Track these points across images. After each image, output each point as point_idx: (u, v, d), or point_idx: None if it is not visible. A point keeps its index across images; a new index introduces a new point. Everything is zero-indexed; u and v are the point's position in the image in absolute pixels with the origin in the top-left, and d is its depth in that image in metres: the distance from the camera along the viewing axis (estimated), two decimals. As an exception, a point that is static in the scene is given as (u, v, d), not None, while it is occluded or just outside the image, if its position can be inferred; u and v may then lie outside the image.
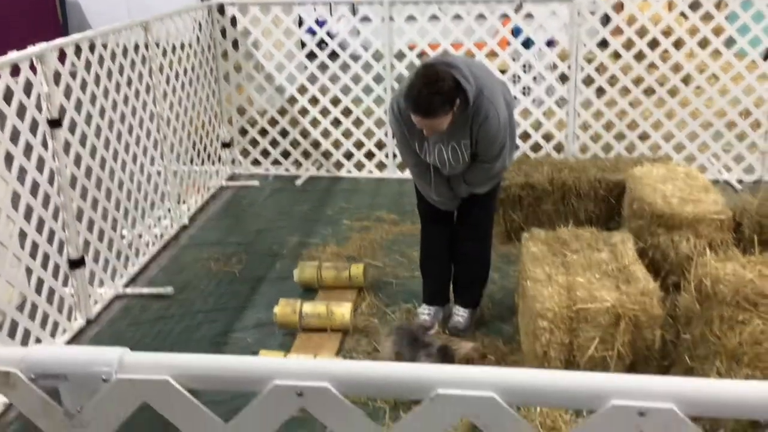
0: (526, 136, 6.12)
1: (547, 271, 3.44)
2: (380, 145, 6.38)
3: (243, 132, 6.59)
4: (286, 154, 6.56)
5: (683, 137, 5.94)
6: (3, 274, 3.40)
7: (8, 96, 3.48)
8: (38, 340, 3.67)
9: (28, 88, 3.64)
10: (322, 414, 1.19)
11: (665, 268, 3.90)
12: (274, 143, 6.51)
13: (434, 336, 3.69)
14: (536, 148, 6.16)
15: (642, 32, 5.75)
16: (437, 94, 3.17)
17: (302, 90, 6.38)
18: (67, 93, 4.01)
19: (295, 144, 6.50)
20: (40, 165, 3.76)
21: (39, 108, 3.77)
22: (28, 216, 3.63)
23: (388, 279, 4.52)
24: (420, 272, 4.07)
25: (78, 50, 4.15)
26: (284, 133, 6.47)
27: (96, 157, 4.29)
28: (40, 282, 3.74)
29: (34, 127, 3.70)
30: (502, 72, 5.98)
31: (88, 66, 4.23)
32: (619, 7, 6.00)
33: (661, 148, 5.99)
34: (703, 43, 5.72)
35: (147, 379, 1.20)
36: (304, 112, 6.43)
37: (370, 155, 6.41)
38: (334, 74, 6.19)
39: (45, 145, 3.81)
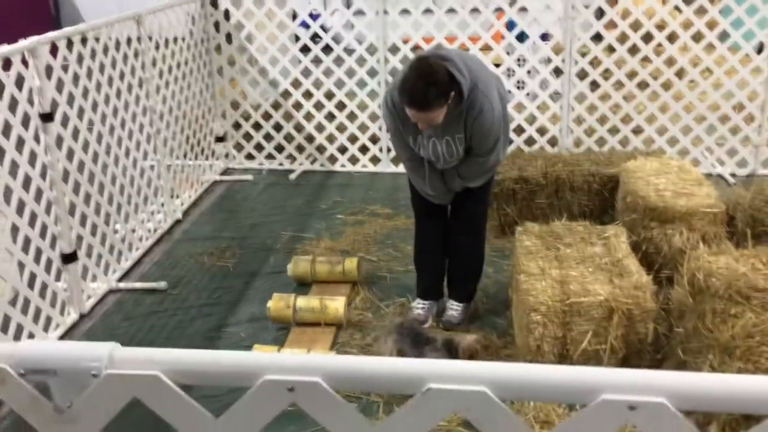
0: (520, 129, 6.11)
1: (541, 264, 3.44)
2: (374, 139, 6.37)
3: (237, 126, 6.57)
4: (280, 149, 6.54)
5: (677, 131, 5.95)
6: (-5, 268, 3.39)
7: (-1, 90, 3.47)
8: (31, 335, 3.66)
9: (19, 82, 3.62)
10: (312, 409, 1.19)
11: (658, 261, 3.90)
12: (267, 137, 6.49)
13: (434, 330, 3.70)
14: (530, 141, 6.15)
15: (636, 26, 5.75)
16: (431, 87, 3.15)
17: (296, 84, 6.36)
18: (59, 87, 3.99)
19: (289, 138, 6.49)
20: (32, 159, 3.74)
21: (31, 102, 3.75)
22: (20, 210, 3.62)
23: (382, 273, 4.52)
24: (414, 266, 4.06)
25: (70, 44, 4.13)
26: (278, 127, 6.45)
27: (88, 152, 4.27)
28: (33, 277, 3.73)
29: (25, 121, 3.68)
30: (497, 66, 5.97)
31: (80, 60, 4.21)
32: (613, 1, 6.00)
33: (655, 141, 5.99)
34: (697, 37, 5.72)
35: (137, 374, 1.19)
36: (298, 106, 6.41)
37: (364, 149, 6.40)
38: (327, 68, 6.18)
39: (37, 139, 3.80)
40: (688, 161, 5.02)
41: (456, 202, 3.78)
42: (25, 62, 3.68)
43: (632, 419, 1.10)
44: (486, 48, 6.05)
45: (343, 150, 6.45)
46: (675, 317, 3.26)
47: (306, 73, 6.29)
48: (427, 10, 5.91)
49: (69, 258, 4.03)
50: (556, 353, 3.26)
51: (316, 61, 6.22)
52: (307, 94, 6.35)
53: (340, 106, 6.31)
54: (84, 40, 4.28)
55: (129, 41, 4.80)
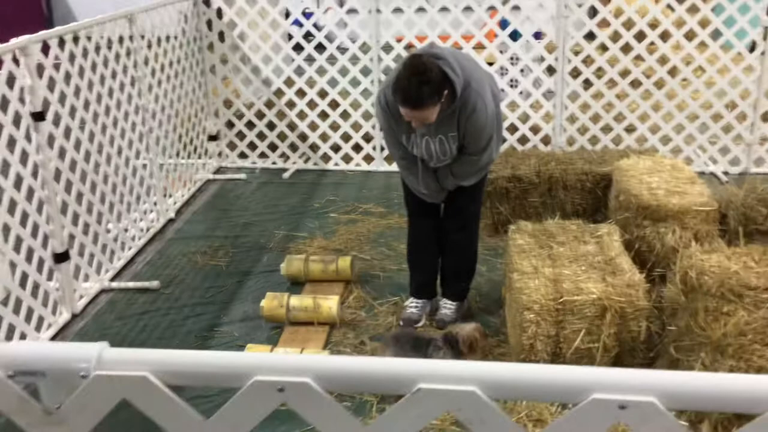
0: (513, 128, 6.12)
1: (534, 263, 3.44)
2: (368, 138, 6.37)
3: (230, 125, 6.56)
4: (273, 147, 6.53)
5: (669, 129, 5.96)
6: (-14, 268, 3.37)
7: (-9, 89, 3.45)
8: (23, 335, 3.65)
9: (11, 81, 3.61)
10: (303, 409, 1.18)
11: (651, 259, 3.91)
12: (261, 136, 6.48)
13: (428, 330, 3.68)
14: (523, 140, 6.16)
15: (628, 24, 5.76)
16: (425, 85, 3.15)
17: (289, 82, 6.35)
18: (51, 86, 3.97)
19: (282, 137, 6.47)
20: (24, 158, 3.73)
21: (22, 101, 3.73)
22: (11, 210, 3.60)
23: (375, 272, 4.51)
24: (407, 265, 4.06)
25: (62, 42, 4.11)
26: (271, 126, 6.44)
27: (80, 151, 4.26)
28: (25, 276, 3.72)
29: (17, 120, 3.66)
30: (490, 64, 5.95)
31: (72, 58, 4.20)
32: (605, 0, 6.01)
33: (648, 140, 6.01)
34: (690, 36, 5.73)
35: (126, 375, 1.18)
36: (291, 104, 6.40)
37: (357, 148, 6.40)
38: (321, 66, 6.17)
39: (28, 138, 3.78)
40: (680, 159, 5.03)
41: (449, 200, 3.78)
42: (16, 61, 3.67)
43: (623, 418, 1.10)
44: (479, 46, 6.06)
45: (336, 149, 6.44)
46: (667, 315, 3.27)
47: (299, 71, 6.28)
48: (420, 9, 5.92)
49: (61, 257, 4.01)
50: (549, 351, 3.27)
51: (309, 59, 6.21)
52: (300, 93, 6.34)
53: (334, 104, 6.30)
54: (76, 39, 4.26)
55: (121, 40, 4.78)
